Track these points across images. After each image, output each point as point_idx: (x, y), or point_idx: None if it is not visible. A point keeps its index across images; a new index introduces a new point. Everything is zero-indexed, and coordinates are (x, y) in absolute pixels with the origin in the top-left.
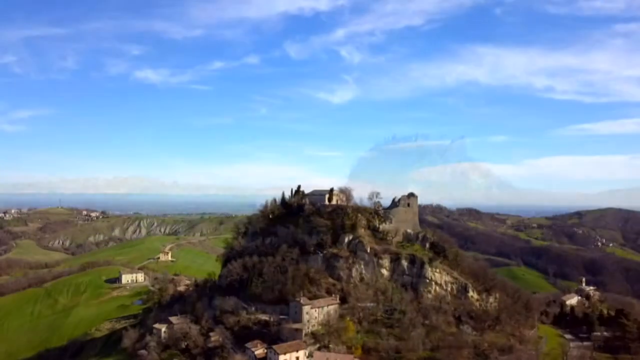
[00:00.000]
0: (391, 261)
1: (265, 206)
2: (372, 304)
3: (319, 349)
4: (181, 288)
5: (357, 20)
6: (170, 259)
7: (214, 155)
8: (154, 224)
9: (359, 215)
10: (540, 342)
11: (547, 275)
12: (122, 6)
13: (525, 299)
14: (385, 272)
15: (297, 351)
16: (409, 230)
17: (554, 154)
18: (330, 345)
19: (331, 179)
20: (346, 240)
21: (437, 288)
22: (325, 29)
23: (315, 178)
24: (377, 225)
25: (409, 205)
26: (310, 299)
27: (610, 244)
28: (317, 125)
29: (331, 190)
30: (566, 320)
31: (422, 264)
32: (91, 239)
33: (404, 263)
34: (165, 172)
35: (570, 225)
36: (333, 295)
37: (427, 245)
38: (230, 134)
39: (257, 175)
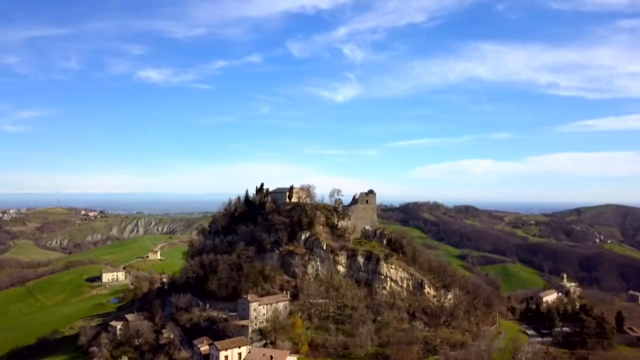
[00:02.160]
0: (347, 258)
1: (229, 204)
2: (323, 301)
3: (264, 345)
4: (158, 286)
5: (359, 18)
6: (159, 257)
7: (216, 154)
8: (151, 223)
9: (318, 212)
10: (497, 338)
11: (542, 272)
12: (123, 6)
13: (485, 295)
14: (341, 268)
15: (239, 347)
16: (367, 227)
17: (557, 151)
18: (277, 342)
19: (333, 177)
20: (303, 237)
21: (392, 284)
22: (327, 27)
23: (317, 176)
24: (336, 222)
25: (367, 202)
26: (262, 296)
27: (609, 241)
28: (319, 123)
29: (291, 187)
30: (530, 317)
31: (378, 261)
32: (89, 238)
33: (360, 260)
34: (168, 171)
35: (569, 222)
36: (284, 292)
37: (385, 241)
38: (232, 133)
39: (259, 174)
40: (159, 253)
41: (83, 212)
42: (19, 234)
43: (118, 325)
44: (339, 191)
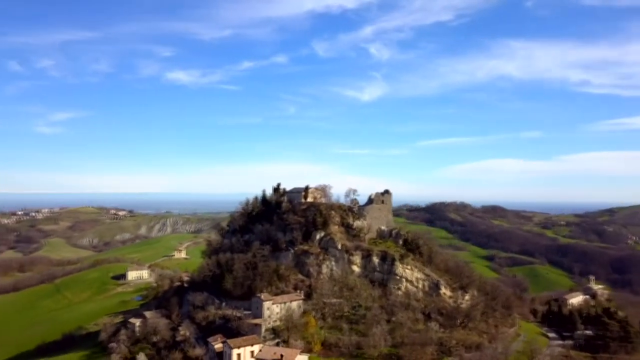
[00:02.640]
0: (362, 258)
1: (247, 203)
2: (337, 300)
3: (277, 344)
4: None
5: (385, 17)
6: (184, 256)
7: (243, 154)
8: (179, 222)
9: (332, 212)
10: (516, 341)
11: (572, 274)
12: (151, 8)
13: (504, 297)
14: (356, 268)
15: (251, 345)
16: (382, 227)
17: (589, 150)
18: (290, 341)
19: (359, 176)
20: (318, 237)
21: (408, 285)
22: (353, 26)
23: (343, 176)
24: (351, 222)
25: (383, 202)
26: (277, 295)
27: None
28: (345, 123)
29: (306, 187)
30: (551, 319)
31: (393, 261)
32: (118, 237)
33: (375, 260)
34: (197, 171)
35: (601, 223)
36: (298, 291)
37: (400, 242)
38: (258, 133)
39: (285, 174)
40: (184, 252)
41: (113, 211)
42: (51, 233)
43: (137, 322)
44: (354, 191)
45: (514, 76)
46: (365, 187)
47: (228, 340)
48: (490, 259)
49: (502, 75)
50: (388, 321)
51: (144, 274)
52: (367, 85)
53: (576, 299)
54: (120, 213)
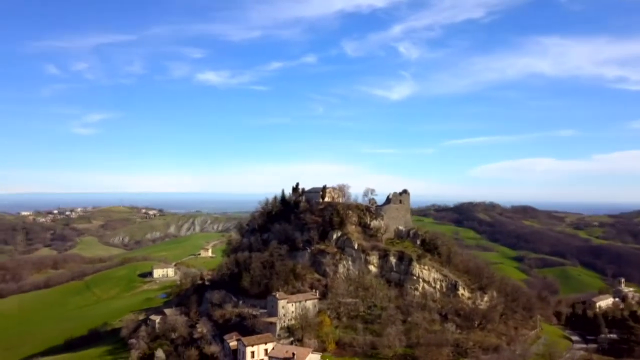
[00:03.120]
0: (379, 258)
1: (266, 203)
2: (352, 300)
3: (292, 342)
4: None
5: (414, 15)
6: (210, 255)
7: (272, 154)
8: (207, 221)
9: (350, 212)
10: (536, 343)
11: (605, 276)
12: (182, 11)
13: (525, 298)
14: (373, 268)
15: (265, 344)
16: (400, 227)
17: (626, 148)
18: (304, 340)
19: (388, 176)
20: (334, 236)
21: (425, 285)
22: (383, 25)
23: (371, 175)
24: (368, 222)
25: (400, 202)
26: (293, 294)
27: None
28: (374, 122)
29: (324, 187)
30: (574, 322)
31: (410, 261)
32: (148, 235)
33: (392, 260)
34: (227, 171)
35: (636, 224)
36: (314, 290)
37: (418, 242)
38: (287, 133)
39: (313, 173)
40: (210, 250)
41: (144, 210)
42: (84, 231)
43: (157, 319)
44: (372, 190)
45: (546, 73)
46: (393, 187)
47: (242, 338)
48: (519, 260)
49: (534, 73)
50: (404, 321)
51: (170, 272)
52: (396, 84)
53: (605, 302)
54: (151, 212)
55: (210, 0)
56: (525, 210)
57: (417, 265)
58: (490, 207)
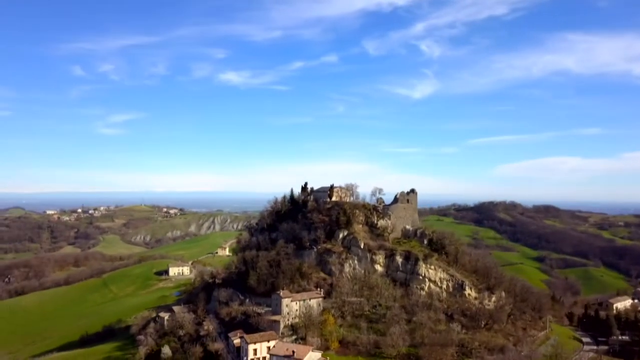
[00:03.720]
0: (386, 257)
1: (275, 202)
2: (357, 299)
3: (295, 340)
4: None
5: (436, 13)
6: (227, 253)
7: (293, 154)
8: (227, 220)
9: (357, 211)
10: (544, 344)
11: (629, 277)
12: (205, 12)
13: (534, 299)
14: (379, 268)
15: (268, 341)
16: (407, 227)
17: None
18: (307, 338)
19: (409, 175)
20: (341, 236)
21: (431, 285)
22: (404, 23)
23: (393, 175)
24: (375, 222)
25: (408, 201)
26: (299, 292)
27: None
28: (395, 121)
29: (331, 186)
30: (585, 323)
31: (416, 261)
32: (169, 234)
33: (399, 259)
34: (249, 171)
35: None
36: (319, 289)
37: (425, 241)
38: (308, 133)
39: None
40: (227, 249)
41: (165, 209)
42: (107, 230)
43: (166, 316)
44: (380, 190)
45: (572, 71)
46: (414, 186)
47: (245, 336)
48: (540, 260)
49: (559, 70)
50: (409, 321)
51: (185, 270)
52: (418, 83)
53: (622, 303)
54: (172, 211)
55: (233, 1)
56: (547, 210)
57: (424, 265)
58: (511, 206)
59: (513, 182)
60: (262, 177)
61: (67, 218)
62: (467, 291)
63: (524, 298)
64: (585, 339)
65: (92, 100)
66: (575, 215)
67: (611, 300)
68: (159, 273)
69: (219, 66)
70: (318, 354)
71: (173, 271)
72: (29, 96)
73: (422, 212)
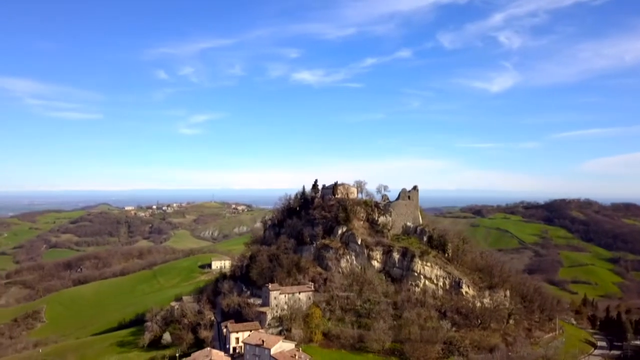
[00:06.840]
0: (383, 253)
1: (287, 199)
2: (346, 294)
3: (280, 332)
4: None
5: (516, 2)
6: None
7: (366, 150)
8: None
9: (358, 208)
10: (546, 345)
11: None
12: (279, 12)
13: (543, 300)
14: (376, 264)
15: (250, 331)
16: (408, 223)
17: None
18: (292, 330)
19: (486, 171)
20: (340, 232)
21: (427, 282)
22: (481, 14)
23: (469, 171)
24: (376, 218)
25: (409, 198)
26: (294, 285)
27: None
28: (471, 115)
29: (335, 184)
30: (600, 326)
31: (413, 257)
32: (236, 230)
33: (396, 256)
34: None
35: None
36: (313, 283)
37: (425, 238)
38: (381, 129)
39: (408, 169)
40: None
41: (233, 206)
42: (178, 225)
43: (175, 305)
44: (385, 187)
45: None
46: (490, 182)
47: (228, 325)
48: (614, 261)
49: None
50: (399, 317)
51: (227, 263)
52: (497, 76)
53: None
54: (240, 208)
55: (307, 0)
56: (627, 208)
57: (419, 262)
58: (586, 204)
59: (600, 178)
60: (334, 175)
61: (143, 214)
62: (465, 289)
63: (531, 299)
64: (601, 343)
65: (175, 102)
66: None
67: None
68: (203, 266)
69: (293, 65)
70: (291, 345)
71: (215, 264)
72: (117, 99)
73: (490, 210)
